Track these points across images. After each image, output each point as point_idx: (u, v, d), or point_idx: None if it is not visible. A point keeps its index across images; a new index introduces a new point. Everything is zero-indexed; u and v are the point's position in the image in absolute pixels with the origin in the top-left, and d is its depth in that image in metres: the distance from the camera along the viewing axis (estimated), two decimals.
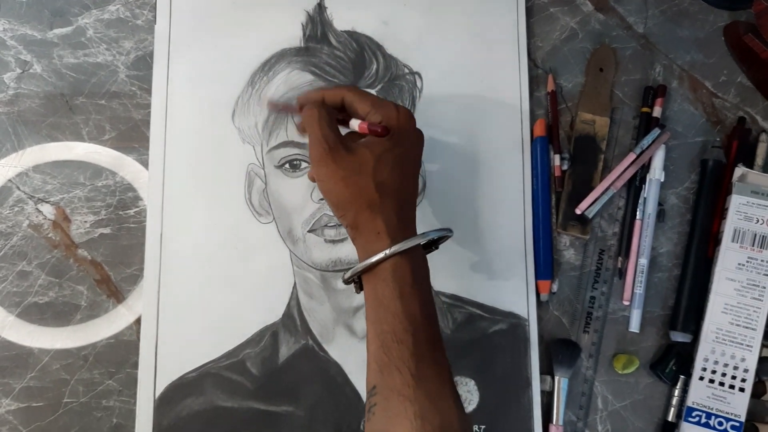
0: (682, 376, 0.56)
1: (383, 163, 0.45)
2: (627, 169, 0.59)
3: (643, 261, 0.58)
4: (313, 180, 0.52)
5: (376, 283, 0.43)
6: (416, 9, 0.62)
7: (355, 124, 0.48)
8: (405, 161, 0.47)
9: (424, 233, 0.45)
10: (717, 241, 0.58)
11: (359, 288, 0.46)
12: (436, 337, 0.43)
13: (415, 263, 0.44)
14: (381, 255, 0.43)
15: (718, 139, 0.62)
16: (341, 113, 0.50)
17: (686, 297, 0.58)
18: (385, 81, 0.60)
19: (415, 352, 0.41)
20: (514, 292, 0.57)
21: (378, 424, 0.40)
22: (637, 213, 0.59)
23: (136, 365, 0.54)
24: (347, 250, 0.57)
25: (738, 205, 0.57)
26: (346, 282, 0.46)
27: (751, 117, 0.62)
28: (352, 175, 0.45)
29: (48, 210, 0.57)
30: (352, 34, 0.61)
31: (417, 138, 0.49)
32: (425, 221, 0.58)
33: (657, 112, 0.61)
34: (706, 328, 0.56)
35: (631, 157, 0.59)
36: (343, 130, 0.48)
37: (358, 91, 0.49)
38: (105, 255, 0.56)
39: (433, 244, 0.49)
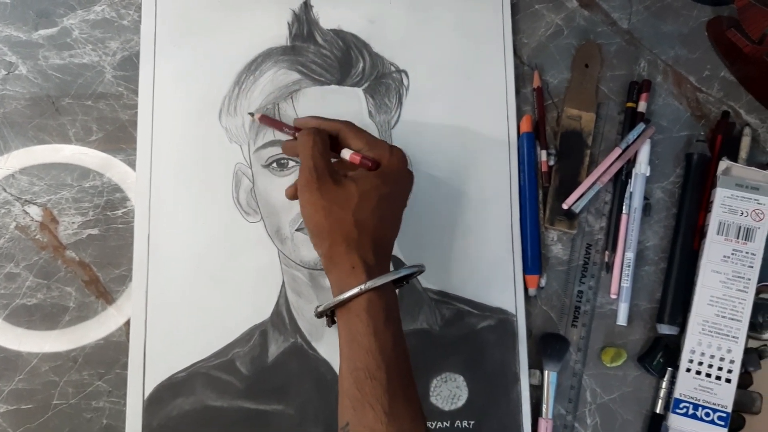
0: (669, 368, 0.57)
1: (367, 200, 0.45)
2: (613, 164, 0.60)
3: (630, 255, 0.59)
4: (292, 198, 0.52)
5: (350, 318, 0.43)
6: (402, 7, 0.62)
7: (346, 153, 0.49)
8: (390, 201, 0.47)
9: (398, 270, 0.46)
10: (702, 234, 0.59)
11: (331, 322, 0.46)
12: (409, 374, 0.44)
13: (388, 299, 0.44)
14: (356, 290, 0.43)
15: (702, 133, 0.62)
16: (334, 142, 0.50)
17: (673, 290, 0.58)
18: (371, 79, 0.60)
19: (389, 389, 0.41)
20: (502, 287, 0.58)
21: None
22: (624, 207, 0.60)
23: (125, 366, 0.54)
24: None
25: (723, 198, 0.58)
26: (319, 315, 0.46)
27: (735, 111, 0.63)
28: (333, 207, 0.45)
29: (35, 211, 0.57)
30: (339, 33, 0.61)
31: (407, 179, 0.50)
32: (413, 220, 0.58)
33: (642, 107, 0.61)
34: (693, 321, 0.56)
35: (617, 151, 0.60)
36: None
37: (354, 128, 0.50)
38: (93, 256, 0.56)
39: (403, 279, 0.49)
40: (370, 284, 0.43)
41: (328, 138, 0.49)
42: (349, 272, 0.44)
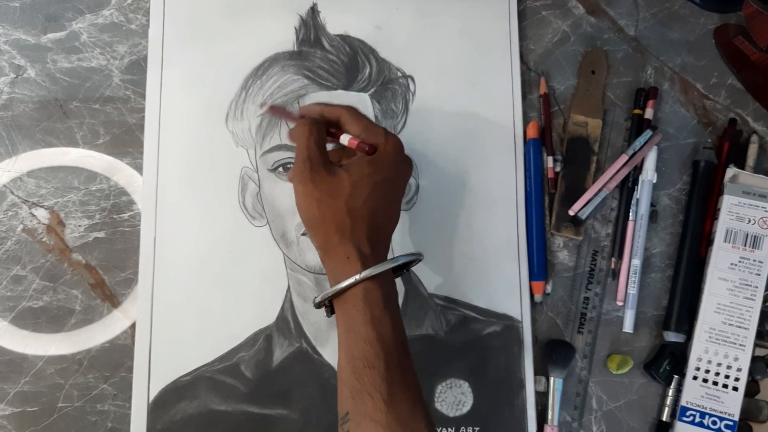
0: (676, 376, 0.56)
1: (360, 189, 0.45)
2: (619, 171, 0.60)
3: (636, 262, 0.59)
4: (291, 182, 0.52)
5: (347, 308, 0.43)
6: (408, 13, 0.62)
7: (345, 139, 0.48)
8: (384, 188, 0.47)
9: (394, 258, 0.46)
10: (709, 242, 0.58)
11: (330, 312, 0.46)
12: (407, 360, 0.43)
13: (386, 288, 0.44)
14: (351, 280, 0.43)
15: (709, 140, 0.62)
16: (335, 128, 0.50)
17: (679, 297, 0.58)
18: (378, 85, 0.60)
19: (387, 376, 0.41)
20: (507, 293, 0.58)
21: None
22: (630, 214, 0.60)
23: (130, 369, 0.54)
24: None
25: (730, 205, 0.57)
26: (317, 306, 0.46)
27: (742, 118, 0.63)
28: (326, 197, 0.45)
29: (42, 214, 0.57)
30: (345, 38, 0.61)
31: (402, 166, 0.49)
32: (418, 225, 0.58)
33: (649, 113, 0.61)
34: (700, 328, 0.56)
35: (624, 158, 0.60)
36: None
37: (354, 113, 0.49)
38: (99, 259, 0.56)
39: (403, 267, 0.49)
40: (365, 274, 0.43)
41: (325, 129, 0.48)
42: (344, 262, 0.44)
